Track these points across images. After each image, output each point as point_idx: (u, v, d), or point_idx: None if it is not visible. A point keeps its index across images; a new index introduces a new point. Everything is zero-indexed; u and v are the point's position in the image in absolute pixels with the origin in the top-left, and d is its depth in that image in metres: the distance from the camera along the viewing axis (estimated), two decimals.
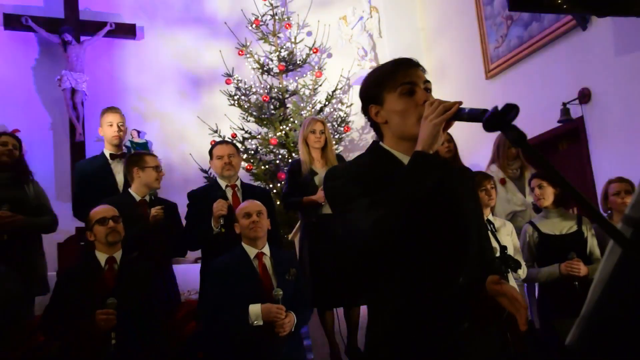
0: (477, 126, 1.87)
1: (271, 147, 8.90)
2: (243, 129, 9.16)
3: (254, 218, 4.19)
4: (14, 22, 9.07)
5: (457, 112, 1.95)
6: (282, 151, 8.92)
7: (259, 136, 9.13)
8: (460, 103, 1.97)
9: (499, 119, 1.75)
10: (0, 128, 5.40)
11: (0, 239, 4.62)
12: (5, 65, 9.16)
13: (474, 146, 6.80)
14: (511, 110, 1.73)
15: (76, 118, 9.06)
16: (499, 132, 5.42)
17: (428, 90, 2.15)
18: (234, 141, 8.77)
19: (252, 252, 4.19)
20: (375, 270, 2.18)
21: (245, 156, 8.94)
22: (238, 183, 5.22)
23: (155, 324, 4.13)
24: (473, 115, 1.91)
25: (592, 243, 4.87)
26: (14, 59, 9.25)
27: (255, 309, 3.91)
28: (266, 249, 4.25)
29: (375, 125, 2.28)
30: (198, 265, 6.48)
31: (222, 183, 5.16)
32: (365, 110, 2.27)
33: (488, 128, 1.80)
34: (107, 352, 3.75)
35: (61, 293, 3.97)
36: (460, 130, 5.06)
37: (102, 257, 4.02)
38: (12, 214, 4.77)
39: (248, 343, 3.98)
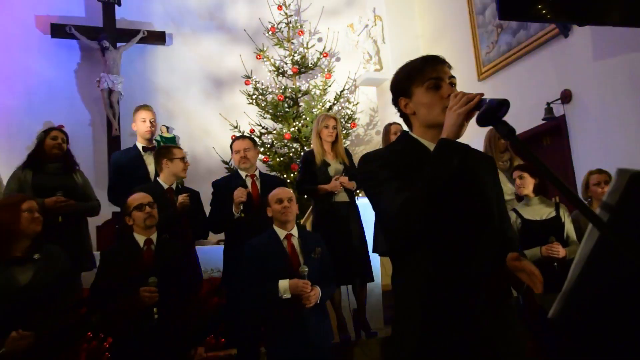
0: (475, 125, 1.96)
1: (285, 141, 8.93)
2: (260, 125, 9.19)
3: (285, 204, 4.17)
4: (59, 31, 9.18)
5: (478, 103, 1.92)
6: (295, 145, 8.93)
7: (275, 131, 9.17)
8: (482, 95, 1.95)
9: (491, 115, 1.79)
10: (48, 124, 5.39)
11: (56, 221, 4.59)
12: (52, 69, 9.27)
13: (466, 139, 6.89)
14: (502, 106, 1.78)
15: (112, 115, 9.16)
16: (489, 129, 5.54)
17: (453, 84, 2.15)
18: (252, 136, 8.84)
19: (282, 233, 4.16)
20: (405, 247, 2.15)
21: (262, 149, 8.94)
22: (257, 173, 5.19)
23: (190, 298, 4.12)
24: (493, 105, 1.87)
25: (569, 227, 4.85)
26: (59, 63, 9.34)
27: (283, 283, 3.91)
28: (294, 231, 4.23)
29: (404, 116, 2.26)
30: (218, 247, 6.48)
31: (242, 173, 5.13)
32: (395, 102, 2.26)
33: (481, 123, 1.84)
34: (150, 325, 3.75)
35: (105, 271, 3.96)
36: None
37: (140, 238, 4.00)
38: (66, 199, 4.78)
39: (280, 314, 4.00)
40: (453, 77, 2.17)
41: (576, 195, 1.55)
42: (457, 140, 1.99)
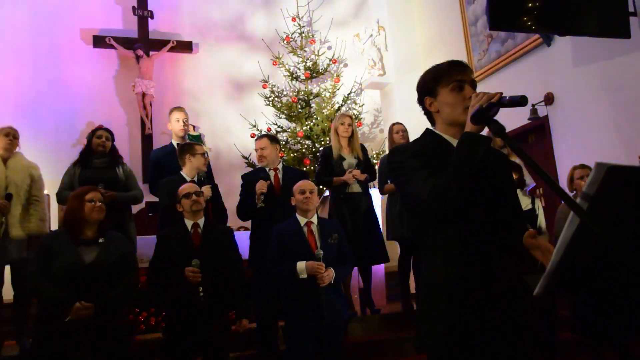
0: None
1: (298, 138, 8.89)
2: (276, 124, 9.18)
3: (307, 195, 4.15)
4: (100, 42, 9.32)
5: (498, 100, 1.87)
6: (307, 142, 8.89)
7: (289, 130, 9.12)
8: (501, 93, 1.90)
9: (484, 115, 1.78)
10: (90, 124, 5.40)
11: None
12: (94, 76, 9.38)
13: None
14: (492, 107, 1.77)
15: (146, 116, 9.25)
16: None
17: (474, 87, 2.12)
18: (269, 134, 8.99)
19: (302, 220, 4.15)
20: (434, 229, 2.11)
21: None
22: (279, 166, 5.10)
23: (233, 275, 4.11)
24: (514, 102, 1.82)
25: (541, 218, 4.89)
26: (100, 70, 9.47)
27: (301, 265, 3.91)
28: (314, 219, 4.20)
29: (428, 114, 2.24)
30: (240, 233, 6.54)
31: (266, 167, 5.08)
32: (420, 100, 2.24)
33: (475, 122, 1.84)
34: (197, 301, 3.80)
35: (161, 251, 4.01)
36: None
37: (188, 223, 4.03)
38: (106, 191, 4.68)
39: (298, 291, 4.02)
40: (474, 80, 2.16)
41: (558, 186, 1.53)
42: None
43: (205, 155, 5.06)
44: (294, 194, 4.26)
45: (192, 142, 5.29)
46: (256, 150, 5.14)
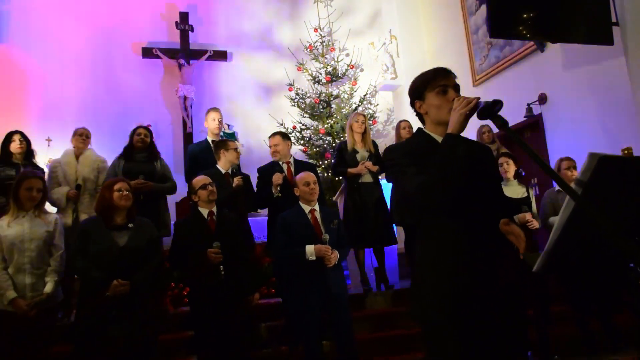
0: (474, 122, 1.97)
1: (320, 135, 8.85)
2: (300, 123, 9.13)
3: (312, 186, 4.11)
4: (148, 53, 9.44)
5: (476, 104, 1.91)
6: (328, 138, 8.82)
7: (312, 127, 9.08)
8: (479, 98, 1.94)
9: (489, 111, 1.77)
10: (139, 124, 5.44)
11: (139, 198, 4.58)
12: (142, 82, 9.49)
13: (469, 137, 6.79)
14: (496, 104, 1.76)
15: (187, 116, 9.29)
16: (479, 125, 5.52)
17: (457, 90, 2.14)
18: (294, 132, 8.90)
19: (307, 209, 4.11)
20: (424, 219, 2.14)
21: (302, 142, 8.95)
22: (291, 160, 5.07)
23: (246, 257, 4.13)
24: (487, 106, 1.85)
25: (533, 205, 4.91)
26: (148, 78, 9.57)
27: (310, 248, 3.89)
28: (317, 207, 4.17)
29: (419, 115, 2.24)
30: (259, 219, 6.63)
31: (280, 161, 5.06)
32: (412, 103, 2.24)
33: (481, 117, 1.81)
34: (218, 279, 3.80)
35: (179, 237, 3.98)
36: None
37: (204, 211, 3.99)
38: (145, 181, 4.83)
39: (307, 272, 3.98)
40: (457, 85, 2.16)
41: (556, 173, 1.54)
42: (460, 134, 1.98)
43: (237, 149, 5.04)
44: (297, 185, 4.23)
45: (226, 139, 5.29)
46: (270, 146, 5.12)
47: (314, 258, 3.92)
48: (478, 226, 2.04)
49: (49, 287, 3.64)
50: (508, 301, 2.03)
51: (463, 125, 1.96)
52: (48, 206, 4.23)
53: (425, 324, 2.10)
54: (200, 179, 4.12)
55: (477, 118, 1.86)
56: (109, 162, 5.32)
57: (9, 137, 5.11)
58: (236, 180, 4.76)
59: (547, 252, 1.55)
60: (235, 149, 4.98)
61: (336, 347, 4.15)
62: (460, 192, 2.01)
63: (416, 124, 5.99)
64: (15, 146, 5.06)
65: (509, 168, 4.93)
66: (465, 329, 1.97)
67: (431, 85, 2.14)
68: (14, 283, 3.56)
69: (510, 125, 5.72)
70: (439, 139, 2.10)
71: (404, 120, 6.03)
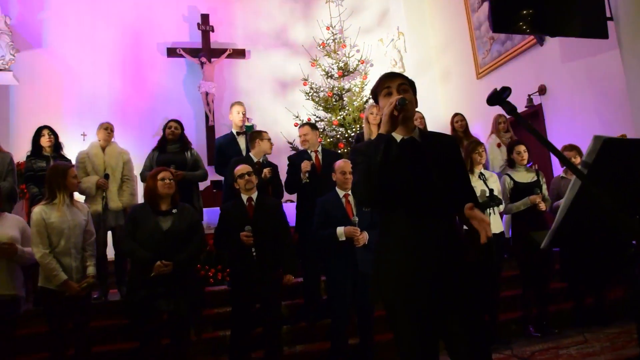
0: (476, 113, 1.95)
1: (333, 126, 8.75)
2: (315, 115, 9.02)
3: (347, 175, 4.13)
4: (172, 52, 9.49)
5: (396, 104, 1.94)
6: (340, 129, 8.70)
7: (325, 119, 8.95)
8: (398, 98, 1.96)
9: (498, 97, 1.73)
10: (165, 119, 5.49)
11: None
12: (167, 80, 9.55)
13: (472, 126, 6.76)
14: (505, 90, 1.72)
15: (209, 111, 9.32)
16: (495, 115, 5.53)
17: (405, 90, 2.11)
18: (310, 122, 9.00)
19: (341, 194, 4.17)
20: (379, 210, 2.18)
21: None
22: (319, 149, 5.10)
23: (280, 239, 4.15)
24: (402, 103, 1.94)
25: (544, 188, 4.92)
26: (172, 75, 9.62)
27: (340, 230, 3.95)
28: (350, 192, 4.09)
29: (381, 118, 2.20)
30: (287, 205, 6.74)
31: (308, 150, 5.09)
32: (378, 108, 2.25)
33: (491, 103, 1.77)
34: (251, 261, 3.90)
35: (224, 220, 4.09)
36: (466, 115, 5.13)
37: (244, 197, 4.10)
38: (176, 171, 4.80)
39: (339, 251, 4.06)
40: (404, 84, 2.13)
41: (562, 154, 1.50)
42: (389, 132, 1.98)
43: (271, 140, 5.05)
44: (335, 172, 4.27)
45: (260, 130, 5.28)
46: (300, 136, 5.15)
47: (344, 239, 3.97)
48: (422, 216, 2.03)
49: (91, 270, 3.75)
50: (456, 284, 2.01)
51: (388, 125, 1.96)
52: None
53: (384, 306, 2.13)
54: (240, 169, 4.18)
55: (488, 104, 1.80)
56: (136, 154, 5.41)
57: (39, 132, 5.22)
58: (265, 172, 4.78)
59: (553, 230, 1.55)
60: (269, 140, 5.02)
61: (357, 322, 4.22)
62: (406, 183, 2.01)
63: (427, 114, 5.95)
64: (44, 140, 5.18)
65: (525, 155, 4.95)
66: (413, 311, 1.99)
67: (379, 89, 2.16)
68: (62, 265, 3.65)
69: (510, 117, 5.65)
70: (396, 136, 2.11)
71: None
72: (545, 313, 4.86)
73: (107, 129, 5.37)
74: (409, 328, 2.01)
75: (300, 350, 4.37)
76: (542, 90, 6.90)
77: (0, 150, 4.99)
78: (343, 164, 4.27)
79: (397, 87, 2.12)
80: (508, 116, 7.10)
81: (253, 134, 5.11)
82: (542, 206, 4.72)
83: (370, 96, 2.34)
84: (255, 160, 4.91)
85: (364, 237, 4.00)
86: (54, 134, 5.24)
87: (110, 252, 5.27)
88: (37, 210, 3.73)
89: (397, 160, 2.01)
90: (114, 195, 5.17)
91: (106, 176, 5.17)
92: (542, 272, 4.79)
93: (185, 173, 5.06)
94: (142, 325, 3.60)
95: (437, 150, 2.14)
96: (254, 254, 3.90)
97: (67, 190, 3.78)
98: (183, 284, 3.62)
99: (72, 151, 5.68)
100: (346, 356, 4.09)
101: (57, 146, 5.26)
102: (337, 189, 4.26)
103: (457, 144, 2.33)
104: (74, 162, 5.22)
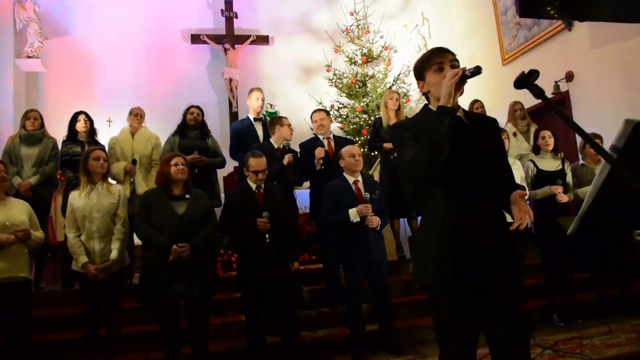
0: (501, 100, 1.91)
1: (357, 113, 8.85)
2: (338, 102, 9.14)
3: (357, 158, 4.17)
4: (196, 39, 9.57)
5: (462, 75, 1.93)
6: (364, 116, 8.82)
7: (349, 106, 9.06)
8: (464, 69, 1.94)
9: (526, 80, 1.70)
10: (189, 104, 5.52)
11: (194, 171, 4.65)
12: (191, 66, 9.65)
13: (497, 113, 6.68)
14: (533, 74, 1.70)
15: (232, 97, 9.37)
16: (510, 102, 5.46)
17: (454, 66, 2.06)
18: (332, 110, 8.91)
19: (350, 179, 4.18)
20: (423, 190, 2.13)
21: (339, 119, 8.98)
22: (331, 136, 5.10)
23: (289, 227, 4.16)
24: (474, 72, 1.90)
25: (569, 177, 4.85)
26: (196, 62, 9.72)
27: (352, 211, 3.97)
28: (360, 178, 4.23)
29: (424, 94, 2.21)
30: (301, 191, 6.75)
31: (320, 136, 5.08)
32: (418, 83, 2.21)
33: (518, 86, 1.74)
34: (264, 246, 3.88)
35: (229, 206, 4.07)
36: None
37: (252, 185, 4.06)
38: (199, 156, 4.92)
39: (352, 239, 4.07)
40: (455, 60, 2.09)
41: (591, 138, 1.46)
42: (449, 105, 1.95)
43: (291, 127, 5.03)
44: (343, 157, 4.25)
45: (281, 116, 5.27)
46: (316, 121, 5.11)
47: (358, 219, 3.98)
48: (470, 197, 2.01)
49: (114, 254, 3.80)
50: (498, 268, 2.00)
51: (451, 97, 1.94)
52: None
53: (425, 285, 2.12)
54: (256, 165, 4.06)
55: (515, 88, 1.77)
56: (162, 139, 5.46)
57: (75, 117, 5.32)
58: (287, 158, 4.77)
59: (580, 216, 1.53)
60: (289, 126, 4.99)
61: (374, 308, 4.25)
62: (452, 163, 1.97)
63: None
64: (80, 125, 5.28)
65: (550, 142, 4.89)
66: (456, 290, 1.98)
67: (428, 64, 2.12)
68: (86, 249, 3.75)
69: (538, 102, 5.65)
70: None
71: None
72: (568, 302, 4.83)
73: (137, 115, 5.42)
74: (449, 313, 2.00)
75: (322, 335, 4.40)
76: (569, 77, 6.78)
77: (45, 136, 5.16)
78: (350, 148, 4.25)
79: (450, 63, 2.08)
80: (536, 101, 7.08)
81: (273, 120, 5.10)
82: (563, 197, 4.66)
83: (414, 75, 2.24)
84: (275, 146, 4.91)
85: (376, 220, 4.01)
86: (89, 119, 5.34)
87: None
88: (71, 195, 3.89)
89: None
90: (142, 181, 5.23)
91: (133, 162, 5.24)
92: (565, 261, 4.75)
93: (207, 159, 5.10)
94: (159, 311, 3.63)
95: (482, 131, 2.14)
96: (268, 240, 3.90)
97: (91, 173, 3.84)
98: (198, 268, 3.64)
99: (99, 137, 5.76)
100: (365, 341, 4.13)
101: (91, 132, 5.35)
102: (346, 175, 4.24)
103: (498, 126, 2.30)
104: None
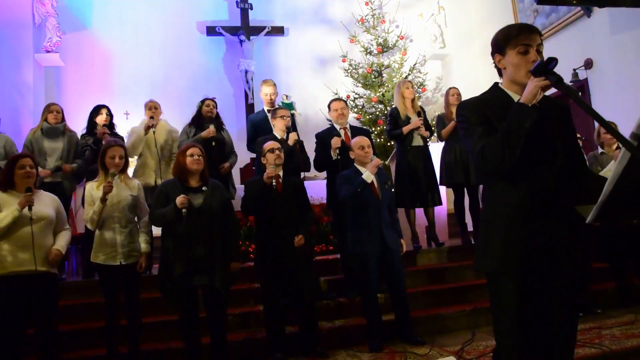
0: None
1: (373, 103, 8.85)
2: (354, 92, 9.13)
3: (366, 149, 4.20)
4: (211, 31, 9.64)
5: (556, 82, 1.74)
6: (380, 106, 8.83)
7: (365, 96, 9.07)
8: (546, 63, 1.76)
9: (544, 68, 1.67)
10: (205, 96, 5.56)
11: (211, 145, 4.84)
12: (207, 58, 9.73)
13: None
14: (552, 61, 1.67)
15: (248, 89, 9.40)
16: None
17: (539, 52, 1.93)
18: (348, 100, 8.87)
19: (363, 170, 4.18)
20: (489, 179, 2.05)
21: (355, 110, 8.98)
22: (347, 126, 5.08)
23: (307, 216, 4.21)
24: (542, 63, 1.73)
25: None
26: (212, 54, 9.79)
27: (366, 173, 4.09)
28: None
29: (497, 69, 2.07)
30: (318, 182, 6.72)
31: (337, 126, 5.05)
32: (492, 55, 2.06)
33: (536, 75, 1.70)
34: (280, 235, 3.91)
35: (248, 193, 4.07)
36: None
37: (271, 169, 4.02)
38: (214, 130, 5.15)
39: (367, 229, 4.11)
40: (541, 44, 1.95)
41: (610, 126, 1.44)
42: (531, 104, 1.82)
43: (285, 117, 4.96)
44: (352, 149, 4.28)
45: (276, 107, 5.25)
46: (337, 109, 5.08)
47: (372, 178, 4.10)
48: (542, 188, 1.92)
49: (144, 248, 3.87)
50: (567, 262, 1.94)
51: (535, 96, 1.80)
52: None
53: (487, 275, 2.07)
54: (270, 144, 4.17)
55: (533, 76, 1.74)
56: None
57: (97, 110, 5.39)
58: (291, 137, 4.79)
59: (600, 203, 1.50)
60: (282, 117, 4.94)
61: (390, 298, 4.28)
62: (524, 156, 1.87)
63: (464, 91, 5.95)
64: (101, 119, 5.37)
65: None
66: (520, 282, 1.92)
67: (513, 42, 1.95)
68: (107, 241, 3.79)
69: (555, 91, 5.61)
70: (514, 96, 1.98)
71: (453, 88, 6.02)
72: (587, 292, 4.80)
73: (152, 108, 5.45)
74: (512, 302, 1.93)
75: (340, 325, 4.43)
76: (588, 65, 6.70)
77: (67, 129, 5.26)
78: (360, 140, 4.28)
79: (537, 47, 1.94)
80: (553, 89, 7.02)
81: (271, 113, 5.13)
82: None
83: (491, 43, 2.07)
84: (279, 137, 4.87)
85: (376, 162, 4.16)
86: (110, 114, 5.42)
87: (157, 229, 5.41)
88: (88, 187, 3.93)
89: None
90: (163, 173, 5.24)
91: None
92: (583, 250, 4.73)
93: (229, 166, 5.33)
94: (178, 301, 3.64)
95: (554, 117, 2.02)
96: (284, 230, 3.93)
97: (107, 168, 3.86)
98: (218, 258, 3.65)
99: (117, 130, 5.83)
100: (382, 331, 4.16)
101: (110, 126, 5.42)
102: (357, 166, 4.27)
103: (570, 111, 2.17)
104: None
